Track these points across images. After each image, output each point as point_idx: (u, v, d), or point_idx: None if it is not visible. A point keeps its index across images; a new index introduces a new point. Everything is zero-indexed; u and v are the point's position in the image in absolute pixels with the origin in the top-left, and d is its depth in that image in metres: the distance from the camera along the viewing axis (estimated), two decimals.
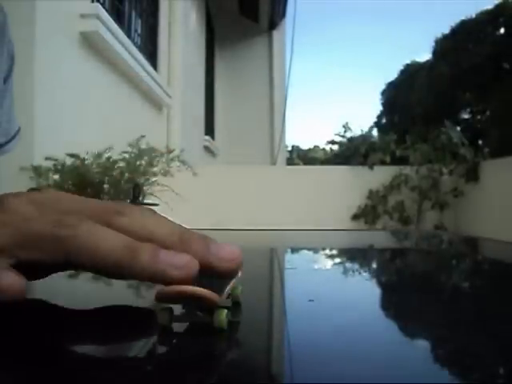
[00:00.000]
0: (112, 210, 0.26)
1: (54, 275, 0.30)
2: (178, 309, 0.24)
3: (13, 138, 0.66)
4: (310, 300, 0.31)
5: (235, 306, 0.26)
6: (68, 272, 0.29)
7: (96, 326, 0.25)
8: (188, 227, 0.28)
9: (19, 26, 1.93)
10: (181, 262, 0.23)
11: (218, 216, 4.63)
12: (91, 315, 0.27)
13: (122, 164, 2.28)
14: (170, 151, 2.49)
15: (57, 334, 0.24)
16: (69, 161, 2.20)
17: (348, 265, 0.56)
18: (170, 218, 0.27)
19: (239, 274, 0.26)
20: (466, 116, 14.23)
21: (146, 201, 2.35)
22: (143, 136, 2.45)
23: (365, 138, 6.17)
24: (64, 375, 0.19)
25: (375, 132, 14.17)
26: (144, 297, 0.35)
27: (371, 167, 5.30)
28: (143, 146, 2.36)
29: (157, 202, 2.44)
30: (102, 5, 3.19)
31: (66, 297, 0.33)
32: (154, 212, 0.27)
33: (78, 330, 0.25)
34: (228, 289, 0.25)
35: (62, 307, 0.30)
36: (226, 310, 0.23)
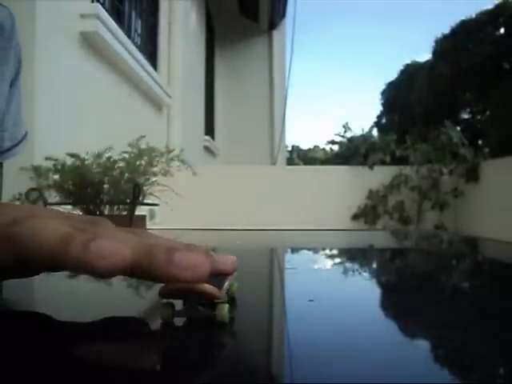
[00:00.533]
0: (87, 220, 0.26)
1: (54, 275, 0.30)
2: (179, 304, 0.25)
3: (20, 142, 0.66)
4: (309, 300, 0.31)
5: (231, 301, 0.27)
6: (68, 272, 0.29)
7: (96, 324, 0.25)
8: (188, 227, 0.28)
9: (19, 26, 1.93)
10: (109, 251, 0.22)
11: (218, 216, 4.63)
12: (91, 314, 0.27)
13: (121, 164, 2.27)
14: (169, 151, 2.48)
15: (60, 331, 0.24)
16: (69, 161, 2.20)
17: (348, 265, 0.56)
18: (168, 219, 0.27)
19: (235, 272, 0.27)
20: (465, 116, 14.23)
21: (145, 201, 2.35)
22: (143, 136, 2.45)
23: (365, 137, 6.16)
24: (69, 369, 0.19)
25: (375, 132, 14.17)
26: (144, 297, 0.35)
27: (371, 167, 5.30)
28: (143, 146, 2.36)
29: (157, 202, 2.44)
30: (102, 5, 3.19)
31: (66, 297, 0.33)
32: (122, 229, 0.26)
33: (80, 327, 0.25)
34: (226, 285, 0.25)
35: (61, 307, 0.30)
36: (227, 305, 0.24)
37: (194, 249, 0.24)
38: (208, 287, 0.23)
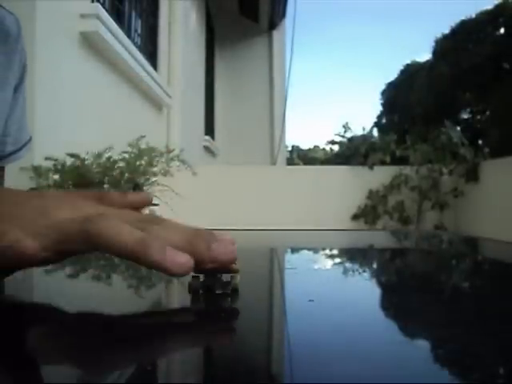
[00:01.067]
0: (143, 219, 0.31)
1: (54, 277, 0.30)
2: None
3: (23, 146, 0.66)
4: (310, 300, 0.31)
5: (234, 292, 0.32)
6: (68, 272, 0.30)
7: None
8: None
9: None
10: (181, 261, 0.28)
11: (218, 216, 4.63)
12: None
13: (121, 164, 2.27)
14: (169, 151, 2.48)
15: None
16: (69, 161, 2.20)
17: (348, 265, 0.56)
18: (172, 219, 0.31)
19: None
20: (465, 116, 14.22)
21: None
22: (143, 136, 2.45)
23: (365, 138, 6.16)
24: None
25: (375, 132, 14.17)
26: (144, 297, 0.35)
27: (371, 167, 5.30)
28: (143, 146, 2.36)
29: (157, 202, 2.44)
30: (102, 5, 3.19)
31: (67, 296, 0.33)
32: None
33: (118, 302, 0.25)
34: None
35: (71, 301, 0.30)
36: (239, 276, 0.31)
37: (218, 237, 0.31)
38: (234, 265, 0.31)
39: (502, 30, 12.51)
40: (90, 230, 0.29)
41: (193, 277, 0.31)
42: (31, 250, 0.29)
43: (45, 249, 0.29)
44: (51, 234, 0.30)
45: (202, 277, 0.31)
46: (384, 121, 17.48)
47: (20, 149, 0.66)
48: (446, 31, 14.01)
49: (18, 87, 0.64)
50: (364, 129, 6.52)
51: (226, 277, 0.31)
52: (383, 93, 17.77)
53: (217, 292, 0.31)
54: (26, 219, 0.30)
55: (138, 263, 0.29)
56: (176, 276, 0.29)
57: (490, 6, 12.88)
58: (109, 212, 0.32)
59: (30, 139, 0.69)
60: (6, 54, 0.61)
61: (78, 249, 0.30)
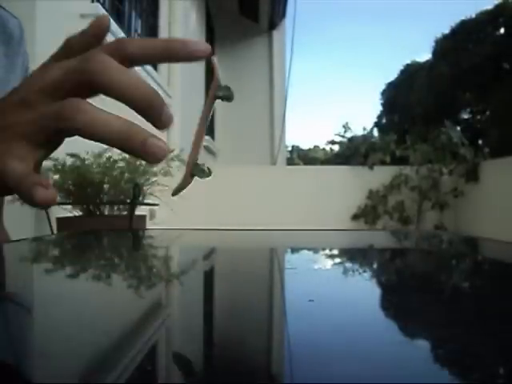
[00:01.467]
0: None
1: (55, 277, 0.30)
2: None
3: None
4: (309, 300, 0.31)
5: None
6: (69, 272, 0.30)
7: None
8: (188, 227, 0.29)
9: None
10: (163, 146, 0.30)
11: (218, 216, 4.63)
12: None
13: (121, 164, 2.27)
14: (169, 151, 2.48)
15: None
16: (69, 161, 2.20)
17: (348, 265, 0.56)
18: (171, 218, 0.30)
19: None
20: (465, 116, 14.22)
21: (145, 201, 2.35)
22: None
23: (365, 138, 6.16)
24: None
25: (375, 132, 14.17)
26: (144, 297, 0.35)
27: (371, 167, 5.30)
28: None
29: (157, 202, 2.44)
30: (102, 5, 3.19)
31: (69, 296, 0.33)
32: None
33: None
34: None
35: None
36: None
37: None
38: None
39: (502, 30, 12.52)
40: (69, 127, 0.29)
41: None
42: None
43: (38, 148, 0.30)
44: (35, 132, 0.30)
45: None
46: (384, 121, 17.48)
47: None
48: (446, 31, 14.01)
49: None
50: (364, 129, 6.52)
51: None
52: (383, 93, 17.77)
53: None
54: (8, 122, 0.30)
55: (122, 150, 0.30)
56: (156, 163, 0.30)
57: (489, 6, 12.88)
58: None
59: None
60: (9, 56, 0.61)
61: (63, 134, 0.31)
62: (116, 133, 0.29)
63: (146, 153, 0.29)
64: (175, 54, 0.31)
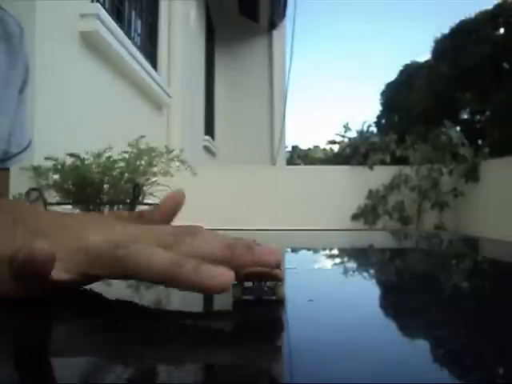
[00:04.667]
0: (176, 232, 0.30)
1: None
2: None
3: (25, 149, 0.67)
4: (309, 300, 0.31)
5: (279, 302, 0.30)
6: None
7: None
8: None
9: None
10: (217, 273, 0.27)
11: (218, 216, 4.63)
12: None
13: (122, 164, 2.27)
14: (169, 151, 2.48)
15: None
16: (69, 161, 2.19)
17: (348, 265, 0.56)
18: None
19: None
20: (465, 116, 14.22)
21: (145, 201, 2.35)
22: (143, 136, 2.45)
23: (365, 137, 6.16)
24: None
25: (375, 132, 14.15)
26: (144, 296, 0.35)
27: (371, 167, 5.29)
28: (143, 146, 2.36)
29: (157, 202, 2.43)
30: (102, 5, 3.19)
31: (70, 298, 0.33)
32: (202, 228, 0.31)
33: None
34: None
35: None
36: (283, 285, 0.30)
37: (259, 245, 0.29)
38: (278, 271, 0.29)
39: (502, 30, 12.51)
40: (120, 257, 0.28)
41: (233, 285, 0.29)
42: (57, 275, 0.28)
43: (72, 272, 0.29)
44: (80, 257, 0.29)
45: (245, 284, 0.29)
46: (384, 121, 17.48)
47: (22, 151, 0.67)
48: (446, 31, 14.01)
49: (21, 90, 0.65)
50: (363, 129, 6.52)
51: (270, 284, 0.30)
52: (383, 93, 17.77)
53: (261, 298, 0.30)
54: (56, 239, 0.30)
55: (174, 287, 0.28)
56: (216, 293, 0.27)
57: (489, 6, 12.88)
58: (139, 231, 0.31)
59: (30, 143, 0.69)
60: (9, 54, 0.61)
61: (107, 274, 0.30)
62: (167, 262, 0.27)
63: (195, 284, 0.26)
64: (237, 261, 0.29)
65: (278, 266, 0.29)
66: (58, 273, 0.28)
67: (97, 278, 0.31)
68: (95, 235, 0.30)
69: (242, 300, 0.29)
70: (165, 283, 0.28)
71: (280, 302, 0.29)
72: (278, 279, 0.29)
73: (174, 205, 0.37)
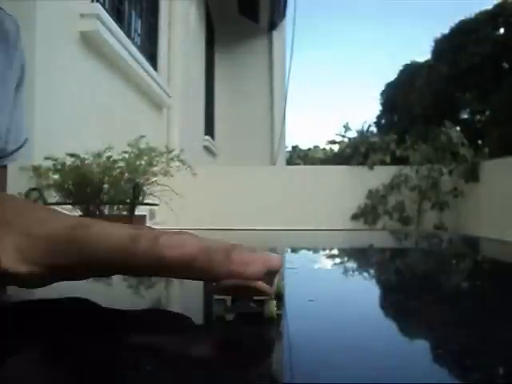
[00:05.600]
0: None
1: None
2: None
3: (21, 146, 0.67)
4: (310, 300, 0.31)
5: (279, 297, 0.28)
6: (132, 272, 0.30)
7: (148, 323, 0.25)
8: (188, 227, 0.28)
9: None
10: (177, 242, 0.24)
11: (218, 216, 4.63)
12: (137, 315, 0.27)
13: (121, 164, 2.27)
14: (169, 151, 2.48)
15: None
16: (69, 160, 2.19)
17: (348, 265, 0.56)
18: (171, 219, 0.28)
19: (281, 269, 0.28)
20: (465, 116, 14.22)
21: (145, 201, 2.35)
22: (143, 136, 2.45)
23: (365, 137, 6.16)
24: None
25: (375, 132, 14.17)
26: (144, 296, 0.35)
27: (371, 167, 5.30)
28: (143, 146, 2.36)
29: (157, 202, 2.43)
30: (102, 5, 3.19)
31: (68, 297, 0.33)
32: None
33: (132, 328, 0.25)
34: (276, 282, 0.27)
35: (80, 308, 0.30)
36: (275, 302, 0.25)
37: (246, 249, 0.26)
38: (261, 284, 0.25)
39: (502, 30, 12.51)
40: (80, 237, 0.26)
41: (216, 300, 0.26)
42: (13, 266, 0.26)
43: (32, 263, 0.27)
44: (41, 245, 0.27)
45: (228, 300, 0.26)
46: (384, 121, 17.49)
47: (19, 148, 0.67)
48: (446, 31, 14.01)
49: (18, 87, 0.65)
50: (364, 129, 6.52)
51: (257, 298, 0.25)
52: (383, 93, 17.78)
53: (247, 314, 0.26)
54: (16, 227, 0.27)
55: (125, 263, 0.25)
56: (172, 266, 0.25)
57: (489, 6, 12.88)
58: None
59: (26, 140, 0.69)
60: (5, 52, 0.61)
61: (70, 264, 0.27)
62: (125, 236, 0.25)
63: (154, 255, 0.24)
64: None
65: (261, 278, 0.25)
66: (15, 264, 0.26)
67: (62, 273, 0.28)
68: (58, 222, 0.28)
69: (225, 318, 0.26)
70: (120, 265, 0.26)
71: (269, 320, 0.25)
72: (264, 294, 0.25)
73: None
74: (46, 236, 0.27)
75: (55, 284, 0.30)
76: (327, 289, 0.37)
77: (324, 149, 24.25)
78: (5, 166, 0.67)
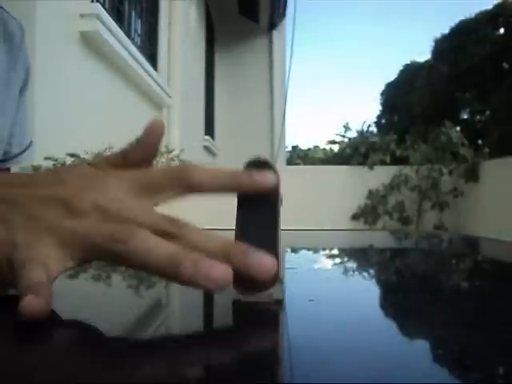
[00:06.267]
0: (170, 222, 0.29)
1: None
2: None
3: (26, 149, 0.67)
4: (309, 300, 0.31)
5: (278, 303, 0.30)
6: (69, 272, 0.29)
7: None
8: None
9: None
10: (216, 275, 0.26)
11: (218, 216, 4.63)
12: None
13: None
14: (169, 151, 2.48)
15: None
16: (69, 161, 2.19)
17: (348, 265, 0.56)
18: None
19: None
20: (465, 116, 14.22)
21: None
22: None
23: (365, 137, 6.16)
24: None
25: (375, 132, 14.17)
26: (144, 296, 0.35)
27: (371, 167, 5.30)
28: None
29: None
30: (102, 5, 3.19)
31: (67, 297, 0.33)
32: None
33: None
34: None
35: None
36: (282, 284, 0.29)
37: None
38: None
39: (502, 30, 12.51)
40: (120, 253, 0.27)
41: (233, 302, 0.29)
42: (66, 263, 0.28)
43: (70, 259, 0.28)
44: (77, 243, 0.28)
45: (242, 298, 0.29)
46: (384, 121, 17.49)
47: (23, 151, 0.67)
48: (446, 31, 14.01)
49: (22, 90, 0.65)
50: (364, 129, 6.52)
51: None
52: (383, 93, 17.78)
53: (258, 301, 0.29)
54: (47, 219, 0.28)
55: (173, 280, 0.27)
56: (214, 292, 0.27)
57: (489, 6, 12.88)
58: (135, 204, 0.30)
59: (31, 143, 0.69)
60: (10, 54, 0.62)
61: (105, 261, 0.29)
62: (164, 260, 0.26)
63: (197, 281, 0.26)
64: (239, 186, 0.31)
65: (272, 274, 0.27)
66: (67, 261, 0.28)
67: (93, 261, 0.30)
68: (87, 218, 0.28)
69: (241, 301, 0.29)
70: (166, 277, 0.27)
71: (280, 303, 0.29)
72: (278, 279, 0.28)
73: (154, 139, 0.35)
74: (80, 237, 0.28)
75: (54, 284, 0.30)
76: (327, 289, 0.37)
77: (324, 149, 24.25)
78: (8, 169, 0.67)
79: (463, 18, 13.42)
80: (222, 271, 0.26)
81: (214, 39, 8.22)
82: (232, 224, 0.31)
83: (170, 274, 0.26)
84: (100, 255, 0.28)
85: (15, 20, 0.64)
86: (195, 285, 0.26)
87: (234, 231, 0.31)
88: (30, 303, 0.24)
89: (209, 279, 0.26)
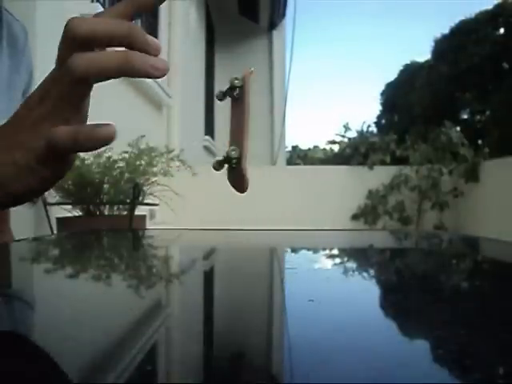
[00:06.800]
0: None
1: (55, 277, 0.30)
2: None
3: None
4: (309, 300, 0.31)
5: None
6: (69, 272, 0.30)
7: None
8: (188, 227, 0.28)
9: None
10: (161, 64, 0.33)
11: (218, 216, 4.63)
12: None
13: (121, 164, 2.27)
14: (169, 151, 2.49)
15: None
16: None
17: (348, 265, 0.56)
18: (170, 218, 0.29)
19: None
20: (465, 116, 14.23)
21: (145, 201, 2.35)
22: (143, 136, 2.45)
23: (365, 137, 6.16)
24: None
25: (375, 132, 14.17)
26: (144, 297, 0.35)
27: (371, 167, 5.30)
28: (143, 146, 2.36)
29: (157, 202, 2.44)
30: (102, 5, 3.19)
31: (66, 297, 0.33)
32: None
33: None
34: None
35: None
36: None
37: None
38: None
39: (502, 30, 12.52)
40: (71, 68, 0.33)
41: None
42: None
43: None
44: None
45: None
46: (384, 121, 17.49)
47: None
48: (446, 31, 14.01)
49: (25, 93, 0.65)
50: (364, 129, 6.52)
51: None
52: (383, 93, 17.78)
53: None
54: None
55: (124, 75, 0.32)
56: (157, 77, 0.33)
57: (489, 6, 12.89)
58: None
59: None
60: (14, 57, 0.62)
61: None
62: (116, 60, 0.31)
63: (147, 70, 0.31)
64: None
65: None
66: None
67: None
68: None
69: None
70: (121, 69, 0.32)
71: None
72: None
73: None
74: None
75: (53, 284, 0.30)
76: (327, 289, 0.37)
77: (324, 149, 24.24)
78: None
79: (463, 18, 13.43)
80: (164, 62, 0.32)
81: (214, 39, 8.22)
82: (232, 224, 0.31)
83: (124, 69, 0.31)
84: (71, 87, 0.35)
85: (19, 22, 0.64)
86: (144, 74, 0.31)
87: (233, 231, 0.31)
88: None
89: (156, 68, 0.32)
